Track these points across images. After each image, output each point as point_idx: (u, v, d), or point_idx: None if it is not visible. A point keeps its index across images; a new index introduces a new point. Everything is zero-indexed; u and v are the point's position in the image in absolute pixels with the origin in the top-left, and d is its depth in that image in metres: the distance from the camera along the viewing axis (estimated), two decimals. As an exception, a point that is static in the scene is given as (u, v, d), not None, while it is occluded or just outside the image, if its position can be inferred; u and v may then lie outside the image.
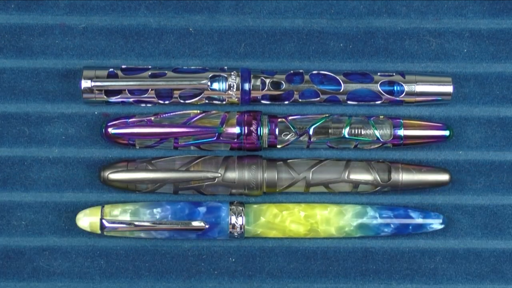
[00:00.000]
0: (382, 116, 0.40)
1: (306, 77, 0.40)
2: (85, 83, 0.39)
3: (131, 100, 0.40)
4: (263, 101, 0.40)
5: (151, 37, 0.41)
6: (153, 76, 0.39)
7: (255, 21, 0.41)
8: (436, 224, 0.39)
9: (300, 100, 0.40)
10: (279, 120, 0.39)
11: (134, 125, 0.39)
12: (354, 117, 0.40)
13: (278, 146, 0.40)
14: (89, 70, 0.39)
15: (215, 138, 0.39)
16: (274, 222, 0.39)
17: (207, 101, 0.40)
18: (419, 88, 0.40)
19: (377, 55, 0.41)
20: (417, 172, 0.39)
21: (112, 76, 0.39)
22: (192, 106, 0.40)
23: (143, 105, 0.40)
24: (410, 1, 0.41)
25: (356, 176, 0.39)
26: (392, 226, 0.38)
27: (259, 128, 0.39)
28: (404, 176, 0.39)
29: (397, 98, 0.40)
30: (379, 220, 0.39)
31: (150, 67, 0.40)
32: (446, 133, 0.39)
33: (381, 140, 0.39)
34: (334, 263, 0.40)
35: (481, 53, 0.41)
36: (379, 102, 0.40)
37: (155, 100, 0.39)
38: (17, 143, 0.40)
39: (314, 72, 0.40)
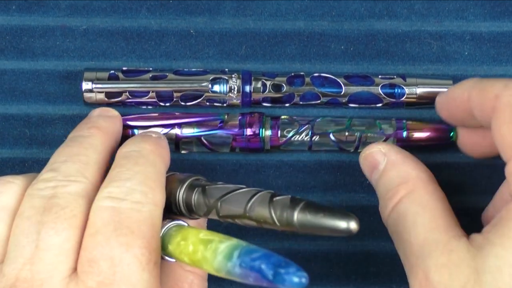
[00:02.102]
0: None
1: (307, 79, 0.40)
2: (86, 85, 0.39)
3: (132, 102, 0.40)
4: (264, 104, 0.40)
5: (152, 39, 0.41)
6: (154, 78, 0.39)
7: (256, 23, 0.41)
8: None
9: (301, 102, 0.40)
10: (283, 117, 0.39)
11: (136, 116, 0.39)
12: (356, 118, 0.40)
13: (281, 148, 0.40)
14: (90, 72, 0.39)
15: (217, 127, 0.39)
16: (175, 251, 0.31)
17: (208, 104, 0.40)
18: (420, 90, 0.40)
19: (378, 57, 0.41)
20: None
21: (113, 78, 0.39)
22: (193, 108, 0.40)
23: (144, 107, 0.40)
24: (411, 4, 0.41)
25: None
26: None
27: (261, 130, 0.39)
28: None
29: (398, 101, 0.40)
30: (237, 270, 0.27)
31: (151, 69, 0.40)
32: (451, 134, 0.39)
33: (385, 133, 0.39)
34: (335, 265, 0.40)
35: (482, 55, 0.41)
36: (380, 104, 0.40)
37: (156, 102, 0.40)
38: (18, 145, 0.40)
39: (315, 74, 0.40)
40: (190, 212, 0.32)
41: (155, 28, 0.41)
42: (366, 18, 0.41)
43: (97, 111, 0.38)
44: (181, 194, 0.32)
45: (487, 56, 0.41)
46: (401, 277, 0.40)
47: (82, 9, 0.41)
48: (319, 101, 0.40)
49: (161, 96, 0.39)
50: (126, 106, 0.40)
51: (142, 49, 0.41)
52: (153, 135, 0.35)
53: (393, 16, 0.41)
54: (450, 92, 0.36)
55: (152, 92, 0.39)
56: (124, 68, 0.40)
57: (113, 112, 0.38)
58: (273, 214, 0.28)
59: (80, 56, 0.41)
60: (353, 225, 0.27)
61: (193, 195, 0.32)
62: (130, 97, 0.39)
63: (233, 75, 0.40)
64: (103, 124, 0.36)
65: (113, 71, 0.40)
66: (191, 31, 0.41)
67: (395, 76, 0.40)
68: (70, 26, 0.41)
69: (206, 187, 0.32)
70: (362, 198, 0.40)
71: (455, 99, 0.35)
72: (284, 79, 0.40)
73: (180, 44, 0.41)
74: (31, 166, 0.40)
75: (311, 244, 0.40)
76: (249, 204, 0.29)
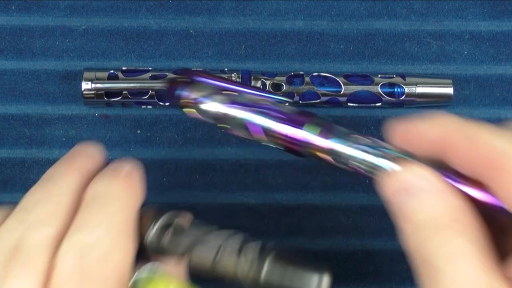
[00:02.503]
0: None
1: (307, 79, 0.40)
2: (86, 85, 0.39)
3: (131, 101, 0.40)
4: (263, 103, 0.40)
5: (151, 38, 0.41)
6: (153, 77, 0.39)
7: (256, 23, 0.41)
8: None
9: (300, 102, 0.40)
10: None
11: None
12: None
13: None
14: (90, 72, 0.39)
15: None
16: None
17: (207, 103, 0.40)
18: (419, 90, 0.40)
19: (378, 57, 0.41)
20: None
21: (112, 78, 0.39)
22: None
23: (143, 106, 0.40)
24: (410, 3, 0.42)
25: None
26: None
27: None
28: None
29: (398, 100, 0.40)
30: None
31: (150, 68, 0.40)
32: None
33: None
34: (334, 265, 0.40)
35: (482, 55, 0.41)
36: (379, 104, 0.40)
37: (155, 101, 0.40)
38: (18, 145, 0.40)
39: (315, 74, 0.40)
40: (162, 255, 0.30)
41: (155, 28, 0.41)
42: (365, 17, 0.41)
43: (76, 148, 0.34)
44: (150, 238, 0.30)
45: (486, 55, 0.41)
46: (401, 276, 0.40)
47: (82, 9, 0.41)
48: (318, 100, 0.40)
49: (161, 95, 0.39)
50: (126, 106, 0.40)
51: (141, 49, 0.41)
52: (125, 168, 0.32)
53: (392, 15, 0.41)
54: (415, 126, 0.30)
55: (152, 91, 0.39)
56: (123, 68, 0.40)
57: (93, 148, 0.34)
58: (240, 270, 0.27)
59: (80, 56, 0.41)
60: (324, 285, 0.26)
61: (163, 240, 0.29)
62: (129, 96, 0.39)
63: (232, 75, 0.40)
64: (79, 161, 0.33)
65: (112, 71, 0.40)
66: (191, 31, 0.41)
67: (394, 75, 0.40)
68: (70, 26, 0.41)
69: (175, 235, 0.29)
70: (362, 198, 0.40)
71: (422, 135, 0.30)
72: (284, 78, 0.40)
73: (179, 44, 0.41)
74: (30, 166, 0.40)
75: (311, 244, 0.40)
76: (217, 259, 0.28)
